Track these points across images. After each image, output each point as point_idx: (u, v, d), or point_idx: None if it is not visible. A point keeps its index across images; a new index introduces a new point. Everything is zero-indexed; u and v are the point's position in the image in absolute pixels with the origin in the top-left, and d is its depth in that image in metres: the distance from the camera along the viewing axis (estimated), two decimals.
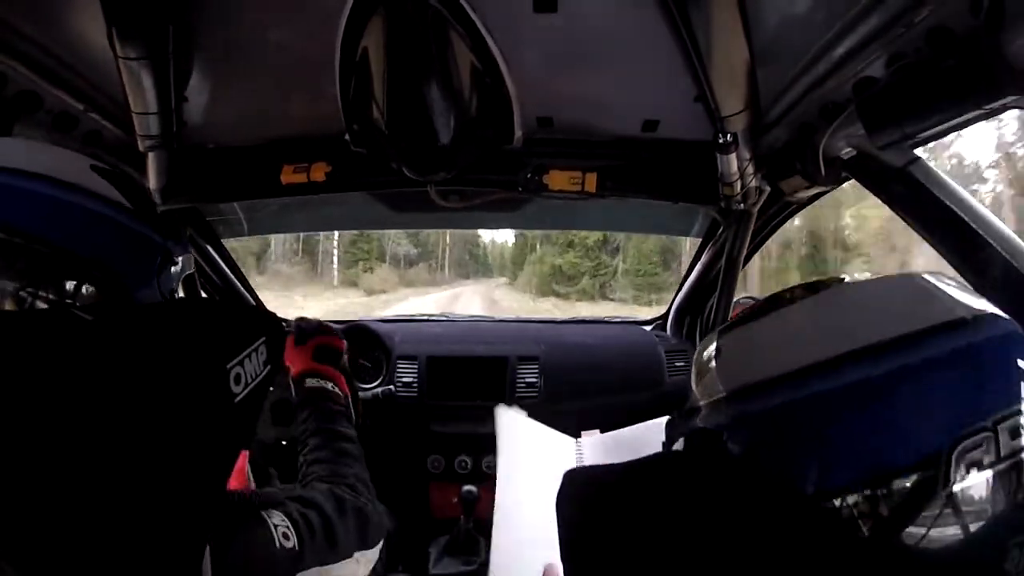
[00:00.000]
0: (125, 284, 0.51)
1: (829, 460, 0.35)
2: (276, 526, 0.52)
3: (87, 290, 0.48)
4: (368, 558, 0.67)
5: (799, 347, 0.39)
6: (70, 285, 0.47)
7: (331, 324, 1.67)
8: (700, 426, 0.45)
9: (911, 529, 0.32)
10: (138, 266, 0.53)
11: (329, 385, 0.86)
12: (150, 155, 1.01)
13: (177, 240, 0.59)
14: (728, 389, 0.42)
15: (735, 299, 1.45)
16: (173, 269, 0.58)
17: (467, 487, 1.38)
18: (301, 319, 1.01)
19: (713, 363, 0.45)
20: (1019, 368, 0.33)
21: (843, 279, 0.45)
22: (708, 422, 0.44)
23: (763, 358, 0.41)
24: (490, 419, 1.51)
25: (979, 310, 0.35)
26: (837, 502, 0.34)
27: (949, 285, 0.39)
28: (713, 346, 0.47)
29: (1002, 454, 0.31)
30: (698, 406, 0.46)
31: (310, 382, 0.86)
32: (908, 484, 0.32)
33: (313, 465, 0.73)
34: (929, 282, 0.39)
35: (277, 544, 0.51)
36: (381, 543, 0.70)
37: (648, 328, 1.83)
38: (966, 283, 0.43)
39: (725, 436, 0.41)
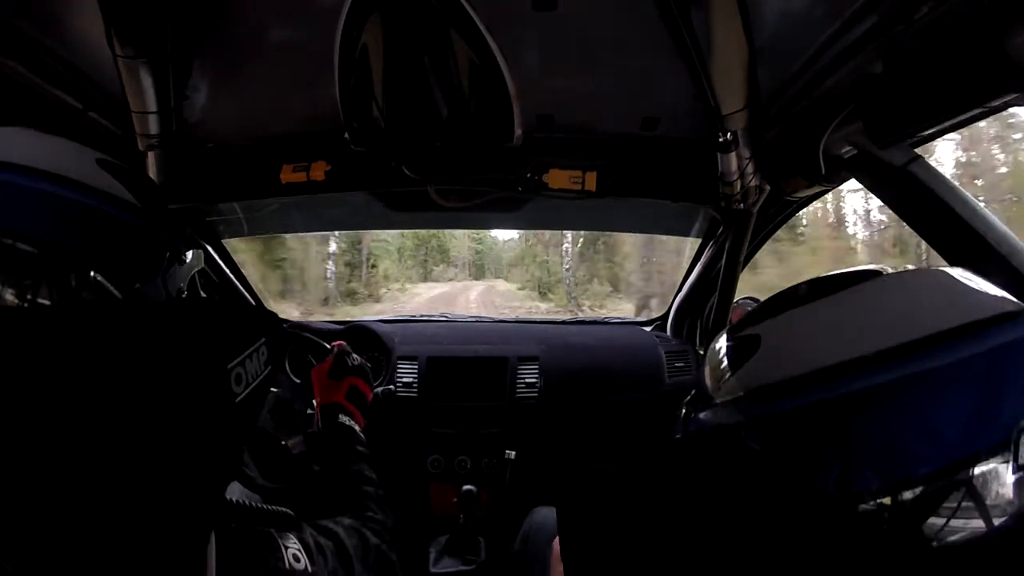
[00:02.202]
0: (129, 282, 0.51)
1: (860, 467, 0.33)
2: (287, 547, 0.52)
3: (90, 288, 0.48)
4: None
5: (841, 341, 0.37)
6: (72, 284, 0.47)
7: (331, 324, 1.68)
8: (717, 423, 0.43)
9: (970, 523, 0.31)
10: (143, 264, 0.53)
11: (357, 427, 0.89)
12: (150, 154, 1.01)
13: (184, 239, 0.58)
14: (753, 386, 0.40)
15: (735, 300, 1.45)
16: (181, 267, 0.57)
17: (467, 487, 1.38)
18: (344, 348, 1.01)
19: (734, 357, 0.43)
20: None
21: (878, 271, 0.43)
22: (727, 419, 0.42)
23: (795, 353, 0.39)
24: (490, 419, 1.52)
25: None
26: (862, 505, 0.33)
27: (981, 280, 0.38)
28: (724, 343, 0.45)
29: None
30: (714, 403, 0.44)
31: (342, 419, 0.89)
32: (972, 475, 0.31)
33: (339, 503, 0.74)
34: (964, 276, 0.38)
35: (287, 564, 0.50)
36: None
37: (648, 329, 1.83)
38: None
39: (745, 433, 0.40)
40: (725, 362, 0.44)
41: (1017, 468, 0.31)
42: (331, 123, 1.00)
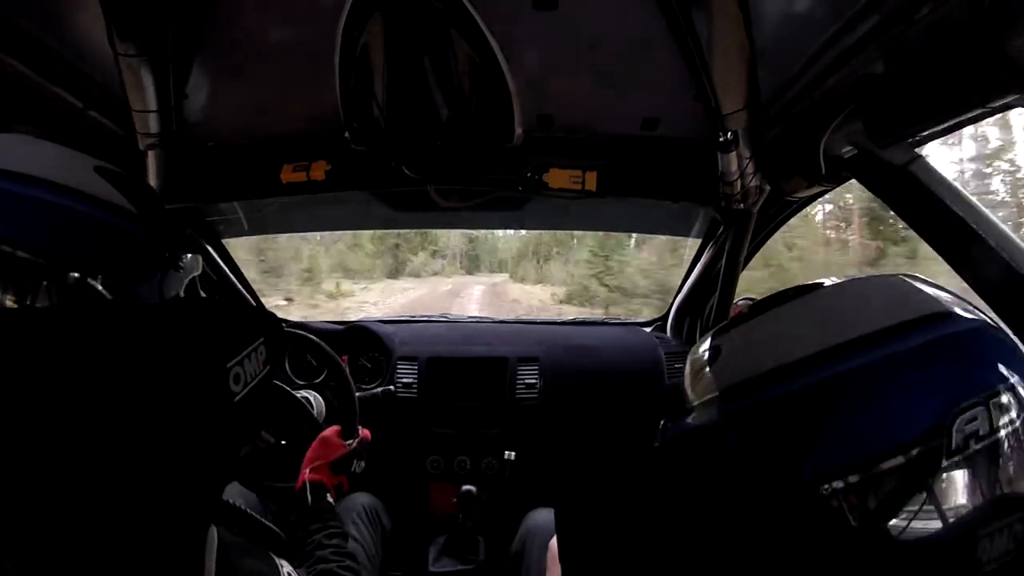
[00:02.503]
0: (125, 289, 0.51)
1: (826, 447, 0.37)
2: (282, 566, 0.53)
3: (86, 296, 0.48)
4: None
5: (793, 343, 0.41)
6: (68, 291, 0.47)
7: (331, 324, 1.68)
8: (693, 424, 0.46)
9: (908, 509, 0.34)
10: (139, 271, 0.53)
11: (331, 500, 0.93)
12: (150, 153, 1.01)
13: (183, 244, 0.58)
14: (722, 386, 0.44)
15: (735, 300, 1.45)
16: (178, 274, 0.57)
17: (466, 487, 1.38)
18: (361, 446, 1.08)
19: (707, 364, 0.47)
20: (995, 352, 0.38)
21: (818, 284, 0.47)
22: (701, 420, 0.45)
23: (757, 355, 0.43)
24: (489, 420, 1.52)
25: (951, 306, 0.40)
26: (835, 484, 0.36)
27: (924, 284, 0.42)
28: (706, 346, 0.49)
29: (995, 425, 0.34)
30: (691, 406, 0.47)
31: (328, 500, 0.92)
32: (909, 458, 0.34)
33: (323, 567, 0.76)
34: (907, 282, 0.43)
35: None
36: None
37: (648, 329, 1.83)
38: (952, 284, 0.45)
39: (718, 433, 0.43)
40: (701, 367, 0.48)
41: (951, 452, 0.34)
42: (331, 123, 1.00)
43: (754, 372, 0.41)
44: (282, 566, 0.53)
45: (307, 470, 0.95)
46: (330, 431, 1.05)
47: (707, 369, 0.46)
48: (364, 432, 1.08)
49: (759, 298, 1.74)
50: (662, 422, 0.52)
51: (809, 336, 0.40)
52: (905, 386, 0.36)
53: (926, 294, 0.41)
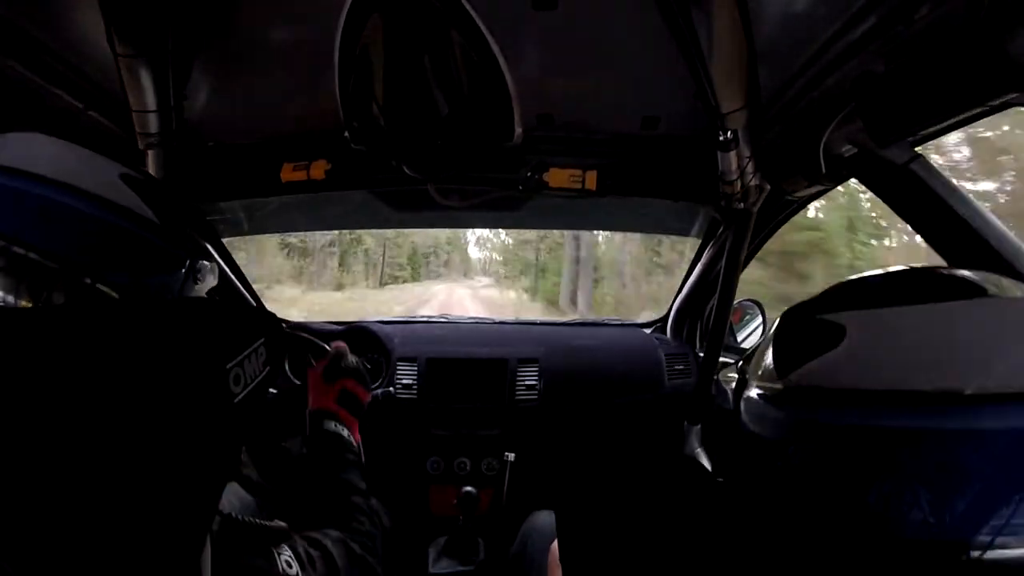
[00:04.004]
0: (145, 298, 0.50)
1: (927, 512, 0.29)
2: (280, 554, 0.52)
3: (101, 300, 0.48)
4: None
5: (948, 364, 0.31)
6: (83, 298, 0.46)
7: (331, 325, 1.68)
8: (775, 414, 0.38)
9: None
10: (160, 281, 0.52)
11: (345, 432, 0.86)
12: (149, 153, 1.01)
13: (204, 253, 0.58)
14: (832, 386, 0.35)
15: (735, 301, 1.45)
16: (197, 285, 0.56)
17: (466, 488, 1.38)
18: (341, 350, 0.96)
19: (811, 344, 0.37)
20: None
21: (986, 288, 0.36)
22: (788, 413, 0.37)
23: (897, 363, 0.33)
24: (489, 421, 1.52)
25: None
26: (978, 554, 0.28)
27: None
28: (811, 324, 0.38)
29: None
30: (775, 387, 0.38)
31: (328, 425, 0.85)
32: None
33: (326, 513, 0.73)
34: None
35: (280, 570, 0.51)
36: None
37: (648, 331, 1.83)
38: None
39: (806, 433, 0.35)
40: (799, 345, 0.38)
41: None
42: (331, 122, 1.00)
43: (881, 384, 0.33)
44: (279, 552, 0.52)
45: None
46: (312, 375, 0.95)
47: (819, 351, 0.36)
48: (336, 344, 0.97)
49: (759, 301, 1.71)
50: (737, 382, 0.44)
51: (979, 363, 0.31)
52: None
53: None
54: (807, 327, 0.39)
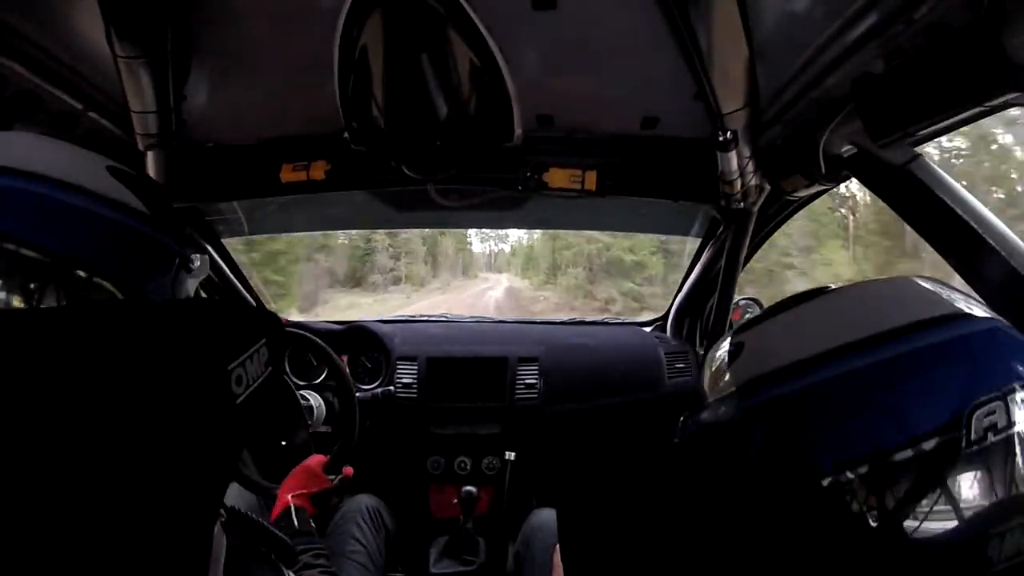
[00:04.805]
0: (139, 292, 0.51)
1: (842, 440, 0.37)
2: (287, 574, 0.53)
3: (98, 297, 0.48)
4: None
5: (812, 339, 0.41)
6: (78, 291, 0.47)
7: (331, 325, 1.68)
8: (711, 420, 0.46)
9: (924, 504, 0.35)
10: (153, 274, 0.53)
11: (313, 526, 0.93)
12: (149, 154, 1.01)
13: (194, 245, 0.58)
14: (740, 382, 0.44)
15: (735, 300, 1.45)
16: (190, 277, 0.57)
17: (467, 488, 1.38)
18: (344, 476, 1.06)
19: (726, 361, 0.47)
20: (1012, 352, 0.38)
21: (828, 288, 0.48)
22: (719, 416, 0.45)
23: (774, 351, 0.43)
24: (489, 420, 1.52)
25: (967, 307, 0.41)
26: (851, 476, 0.36)
27: (938, 286, 0.43)
28: (725, 345, 0.49)
29: (1012, 419, 0.35)
30: (708, 403, 0.47)
31: (311, 524, 0.92)
32: (926, 450, 0.35)
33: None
34: (921, 284, 0.44)
35: None
36: None
37: (648, 329, 1.83)
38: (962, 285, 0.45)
39: (736, 428, 0.43)
40: (719, 366, 0.48)
41: (969, 443, 0.34)
42: (331, 123, 1.00)
43: (772, 367, 0.42)
44: (288, 573, 0.53)
45: (289, 496, 0.95)
46: (315, 461, 1.05)
47: (726, 367, 0.47)
48: (347, 470, 1.08)
49: (759, 299, 1.72)
50: (681, 419, 0.52)
51: (827, 333, 0.41)
52: (923, 382, 0.37)
53: (941, 296, 0.42)
54: (725, 351, 0.49)
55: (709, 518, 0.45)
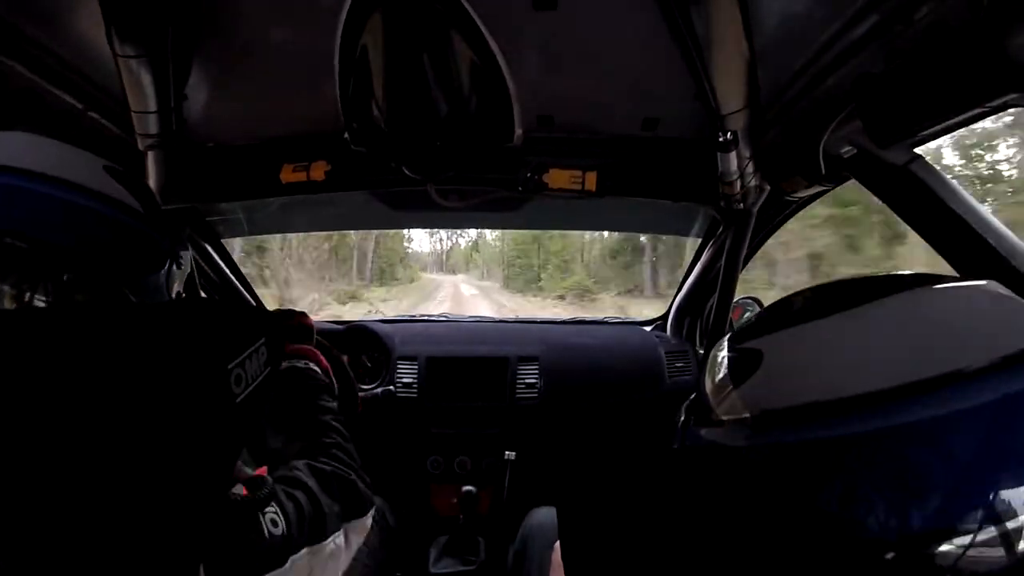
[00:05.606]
0: (133, 286, 0.51)
1: (899, 510, 0.28)
2: (264, 513, 0.51)
3: (93, 291, 0.48)
4: (357, 528, 0.66)
5: (867, 366, 0.31)
6: (76, 286, 0.47)
7: (331, 324, 1.68)
8: (718, 441, 0.39)
9: None
10: (147, 268, 0.53)
11: (302, 363, 0.87)
12: (149, 154, 1.01)
13: (182, 242, 0.59)
14: (754, 411, 0.35)
15: (735, 299, 1.45)
16: (179, 269, 0.58)
17: (467, 487, 1.38)
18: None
19: (735, 371, 0.38)
20: None
21: (903, 282, 0.36)
22: (728, 440, 0.38)
23: (806, 376, 0.33)
24: (490, 420, 1.52)
25: None
26: (936, 548, 0.27)
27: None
28: (740, 347, 0.39)
29: None
30: (716, 418, 0.40)
31: (298, 363, 0.86)
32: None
33: (293, 442, 0.72)
34: (1006, 294, 0.33)
35: (266, 534, 0.50)
36: (372, 511, 0.69)
37: (648, 329, 1.83)
38: None
39: (744, 463, 0.36)
40: (726, 376, 0.40)
41: None
42: (331, 123, 1.00)
43: (801, 400, 0.33)
44: (264, 512, 0.52)
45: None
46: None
47: (736, 378, 0.37)
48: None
49: (759, 298, 1.70)
50: (681, 419, 0.46)
51: (892, 359, 0.30)
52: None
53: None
54: (732, 357, 0.40)
55: (708, 521, 0.44)
